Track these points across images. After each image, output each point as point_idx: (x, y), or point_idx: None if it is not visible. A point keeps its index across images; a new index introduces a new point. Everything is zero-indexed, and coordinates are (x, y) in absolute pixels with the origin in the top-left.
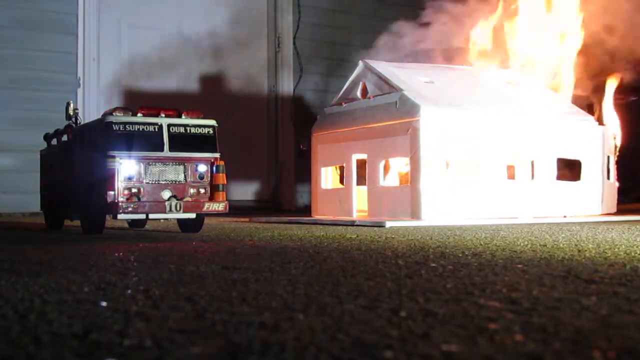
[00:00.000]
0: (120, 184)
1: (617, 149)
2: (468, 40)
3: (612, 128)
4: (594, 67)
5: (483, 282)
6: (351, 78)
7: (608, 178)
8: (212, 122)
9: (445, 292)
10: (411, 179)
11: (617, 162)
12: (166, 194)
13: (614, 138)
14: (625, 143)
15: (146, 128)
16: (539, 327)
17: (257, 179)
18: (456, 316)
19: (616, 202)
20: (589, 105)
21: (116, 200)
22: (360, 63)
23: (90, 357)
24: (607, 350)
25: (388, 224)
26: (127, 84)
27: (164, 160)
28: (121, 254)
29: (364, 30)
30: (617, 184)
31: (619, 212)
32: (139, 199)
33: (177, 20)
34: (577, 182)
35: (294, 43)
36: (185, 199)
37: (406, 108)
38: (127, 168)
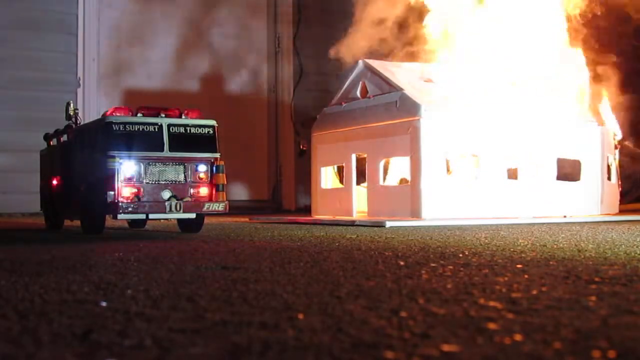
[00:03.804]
0: (120, 184)
1: (617, 148)
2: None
3: (612, 127)
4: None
5: (483, 282)
6: (351, 78)
7: (609, 178)
8: (212, 122)
9: (445, 292)
10: (411, 178)
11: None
12: (166, 194)
13: (614, 137)
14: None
15: (146, 128)
16: (539, 327)
17: (257, 179)
18: (456, 316)
19: (618, 202)
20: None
21: (116, 200)
22: (360, 63)
23: (90, 357)
24: (607, 350)
25: (388, 224)
26: (127, 84)
27: (164, 160)
28: (121, 254)
29: (364, 30)
30: (619, 183)
31: (620, 212)
32: (139, 199)
33: (177, 22)
34: (577, 182)
35: (294, 43)
36: (185, 199)
37: (406, 107)
38: (127, 168)
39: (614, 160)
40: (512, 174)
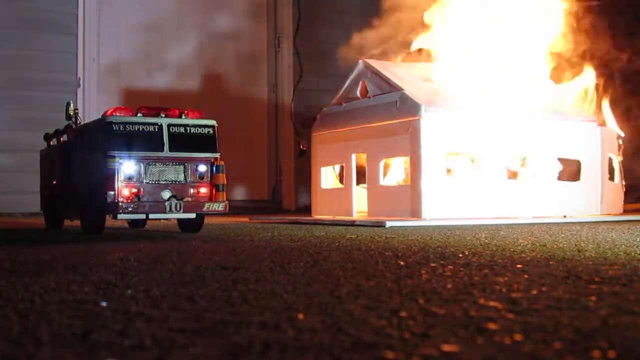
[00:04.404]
0: (120, 184)
1: (621, 150)
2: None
3: (615, 128)
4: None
5: (483, 282)
6: (351, 77)
7: (611, 179)
8: (212, 122)
9: (445, 292)
10: (411, 178)
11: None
12: (166, 194)
13: (618, 138)
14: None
15: (146, 128)
16: (539, 327)
17: (257, 179)
18: (456, 316)
19: (622, 202)
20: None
21: (116, 200)
22: (360, 62)
23: (90, 357)
24: (607, 350)
25: (388, 224)
26: (127, 84)
27: (164, 160)
28: (121, 254)
29: (364, 30)
30: (623, 183)
31: (624, 212)
32: (139, 199)
33: (177, 21)
34: (577, 182)
35: (294, 43)
36: (185, 199)
37: (406, 107)
38: (127, 168)
39: (617, 160)
40: (512, 174)
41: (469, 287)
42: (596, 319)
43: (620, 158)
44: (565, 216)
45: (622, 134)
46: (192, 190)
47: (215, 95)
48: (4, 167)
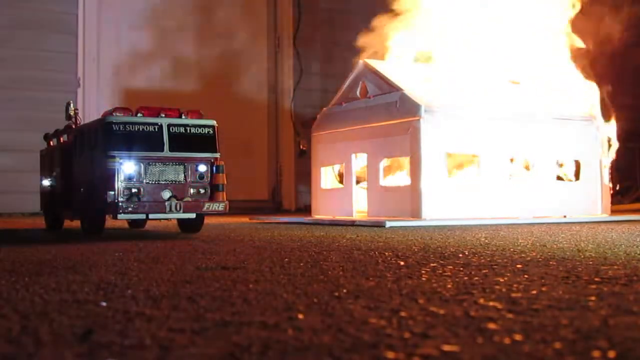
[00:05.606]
0: (120, 184)
1: (612, 151)
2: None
3: (605, 130)
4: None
5: (483, 282)
6: (351, 77)
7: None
8: (212, 122)
9: (445, 292)
10: (411, 178)
11: (612, 164)
12: (166, 194)
13: (609, 140)
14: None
15: (146, 128)
16: (539, 327)
17: (257, 179)
18: (456, 316)
19: (609, 204)
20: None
21: (116, 200)
22: (360, 62)
23: (90, 357)
24: (607, 350)
25: (388, 224)
26: (127, 84)
27: (164, 160)
28: (121, 254)
29: (364, 31)
30: (610, 186)
31: (616, 212)
32: (139, 199)
33: (177, 21)
34: (577, 182)
35: (294, 43)
36: (185, 199)
37: (406, 107)
38: (127, 168)
39: (606, 160)
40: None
41: (469, 287)
42: (596, 319)
43: (610, 158)
44: (565, 216)
45: (614, 137)
46: (192, 190)
47: (215, 96)
48: (4, 167)
